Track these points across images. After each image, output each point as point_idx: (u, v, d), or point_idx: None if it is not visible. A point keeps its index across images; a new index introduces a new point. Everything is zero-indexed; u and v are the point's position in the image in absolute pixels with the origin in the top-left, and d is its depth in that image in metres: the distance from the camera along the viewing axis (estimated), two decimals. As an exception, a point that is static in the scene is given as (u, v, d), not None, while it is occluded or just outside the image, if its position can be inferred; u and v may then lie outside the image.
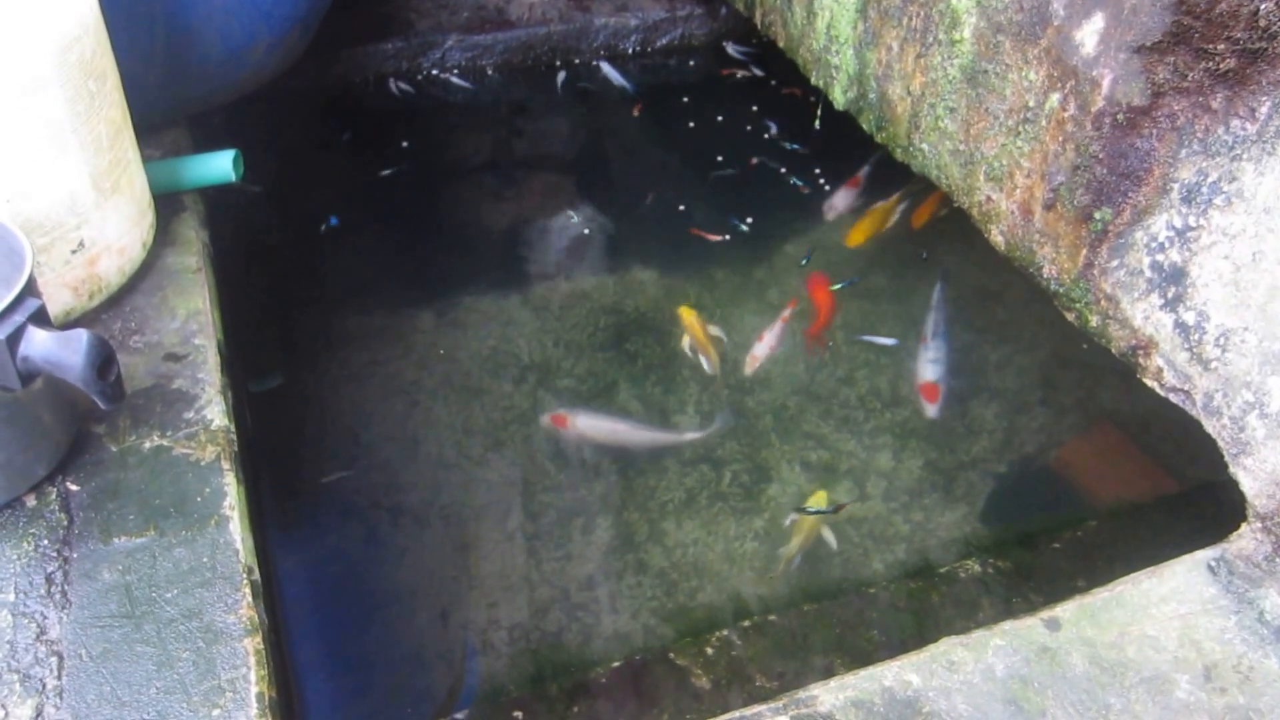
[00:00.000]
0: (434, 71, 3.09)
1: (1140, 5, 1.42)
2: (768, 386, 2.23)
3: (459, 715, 1.62)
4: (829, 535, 1.92)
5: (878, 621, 1.78)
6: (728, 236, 2.59)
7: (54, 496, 1.38)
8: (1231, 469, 1.43)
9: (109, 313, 1.68)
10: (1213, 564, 1.37)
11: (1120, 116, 1.49)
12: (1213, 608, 1.32)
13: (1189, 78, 1.38)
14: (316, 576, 1.83)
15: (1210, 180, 1.38)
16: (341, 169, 2.81)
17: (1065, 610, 1.31)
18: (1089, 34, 1.52)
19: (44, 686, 1.17)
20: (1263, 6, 1.26)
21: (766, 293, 2.46)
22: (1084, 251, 1.61)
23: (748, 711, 1.18)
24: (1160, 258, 1.48)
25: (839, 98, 2.25)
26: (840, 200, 2.70)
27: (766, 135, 2.94)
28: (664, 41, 3.26)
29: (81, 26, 1.50)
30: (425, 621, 1.77)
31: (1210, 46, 1.33)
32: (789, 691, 1.22)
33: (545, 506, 1.96)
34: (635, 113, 3.03)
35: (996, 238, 1.81)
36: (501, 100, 3.10)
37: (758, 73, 3.16)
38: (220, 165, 1.95)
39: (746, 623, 1.76)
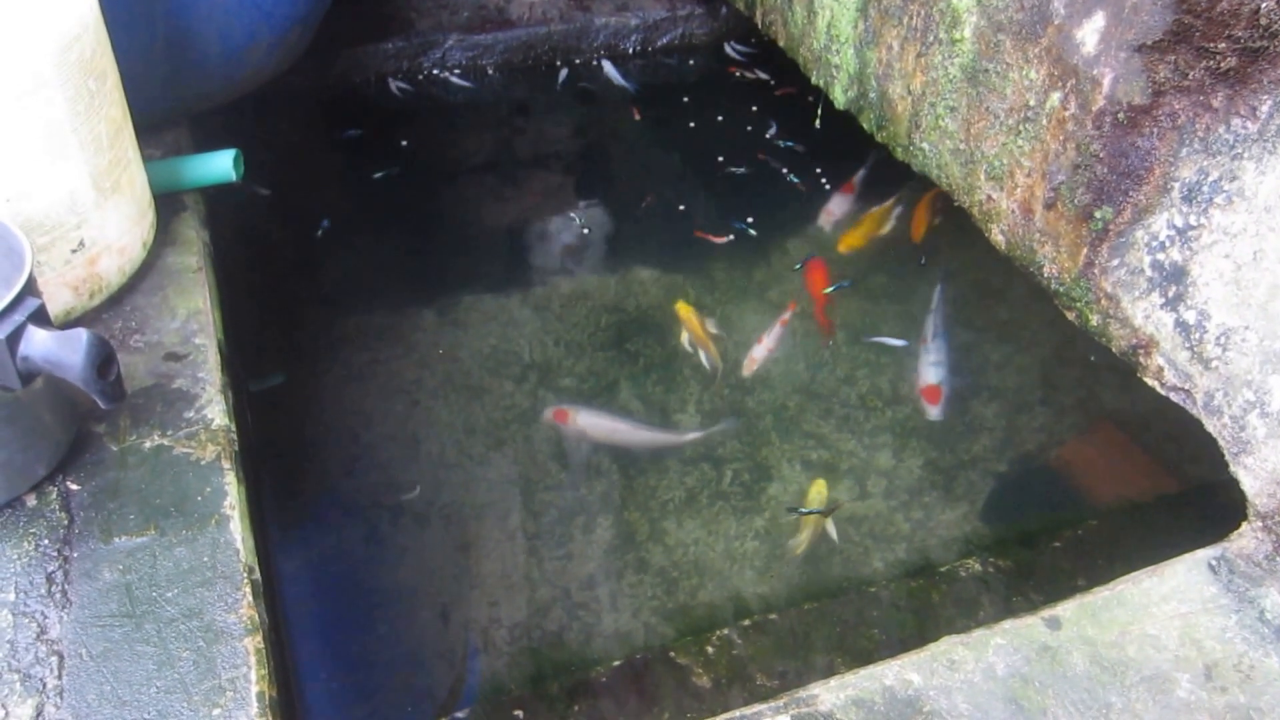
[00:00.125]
0: (434, 71, 3.09)
1: (1141, 4, 1.42)
2: (768, 386, 2.23)
3: (460, 714, 1.62)
4: (831, 528, 1.92)
5: (878, 620, 1.78)
6: (731, 237, 2.59)
7: (54, 496, 1.38)
8: (1232, 468, 1.43)
9: (109, 312, 1.68)
10: (1213, 563, 1.37)
11: (1121, 115, 1.49)
12: (1213, 607, 1.32)
13: (1190, 76, 1.38)
14: (317, 576, 1.83)
15: (1211, 179, 1.38)
16: (342, 168, 2.81)
17: (1066, 609, 1.31)
18: (1090, 33, 1.52)
19: (44, 686, 1.17)
20: (1263, 5, 1.26)
21: (767, 292, 2.46)
22: (1084, 250, 1.61)
23: (748, 710, 1.18)
24: (1161, 256, 1.48)
25: (839, 97, 2.25)
26: (835, 206, 2.69)
27: (768, 135, 2.94)
28: (664, 41, 3.26)
29: (81, 25, 1.50)
30: (426, 620, 1.77)
31: (1211, 45, 1.33)
32: (790, 690, 1.22)
33: (546, 505, 1.96)
34: (636, 116, 3.03)
35: (997, 237, 1.81)
36: (502, 100, 3.10)
37: (762, 76, 3.16)
38: (221, 165, 1.95)
39: (747, 622, 1.76)
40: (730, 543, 1.92)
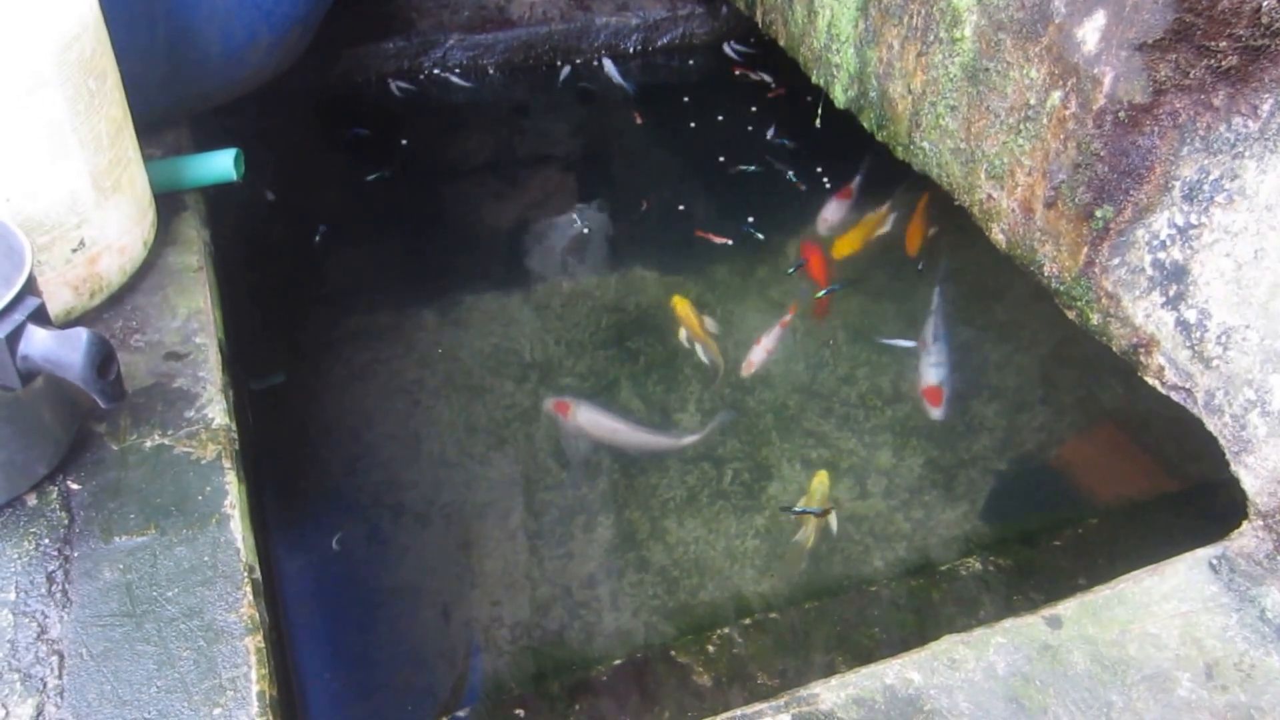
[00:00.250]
0: (435, 71, 3.09)
1: (1142, 2, 1.42)
2: (768, 385, 2.22)
3: (461, 713, 1.62)
4: (833, 520, 1.92)
5: (879, 619, 1.78)
6: (730, 241, 2.59)
7: (55, 495, 1.38)
8: (1233, 467, 1.43)
9: (110, 311, 1.68)
10: (1214, 562, 1.37)
11: (1122, 114, 1.49)
12: (1214, 605, 1.32)
13: (1191, 75, 1.38)
14: (318, 575, 1.83)
15: (1212, 178, 1.38)
16: (342, 168, 2.81)
17: (1067, 608, 1.31)
18: (1090, 31, 1.52)
19: (45, 685, 1.17)
20: (1265, 3, 1.26)
21: (767, 291, 2.46)
22: (1085, 249, 1.61)
23: (749, 709, 1.18)
24: (1162, 255, 1.48)
25: (840, 96, 2.25)
26: (832, 212, 2.69)
27: (768, 135, 2.94)
28: (665, 41, 3.26)
29: (81, 25, 1.50)
30: (427, 619, 1.77)
31: (1212, 44, 1.33)
32: (790, 689, 1.22)
33: (547, 504, 1.96)
34: (638, 120, 3.02)
35: (997, 236, 1.81)
36: (503, 100, 3.10)
37: (766, 78, 3.16)
38: (221, 164, 1.95)
39: (748, 620, 1.76)
40: (731, 541, 1.92)
